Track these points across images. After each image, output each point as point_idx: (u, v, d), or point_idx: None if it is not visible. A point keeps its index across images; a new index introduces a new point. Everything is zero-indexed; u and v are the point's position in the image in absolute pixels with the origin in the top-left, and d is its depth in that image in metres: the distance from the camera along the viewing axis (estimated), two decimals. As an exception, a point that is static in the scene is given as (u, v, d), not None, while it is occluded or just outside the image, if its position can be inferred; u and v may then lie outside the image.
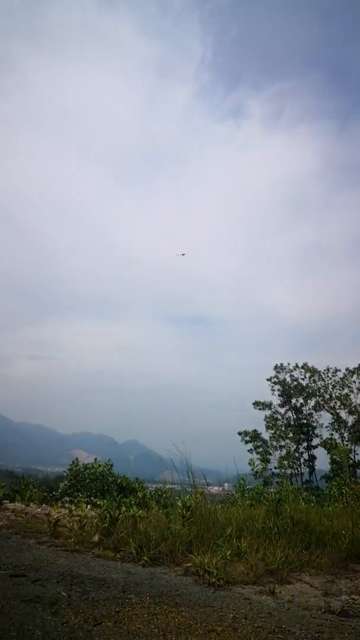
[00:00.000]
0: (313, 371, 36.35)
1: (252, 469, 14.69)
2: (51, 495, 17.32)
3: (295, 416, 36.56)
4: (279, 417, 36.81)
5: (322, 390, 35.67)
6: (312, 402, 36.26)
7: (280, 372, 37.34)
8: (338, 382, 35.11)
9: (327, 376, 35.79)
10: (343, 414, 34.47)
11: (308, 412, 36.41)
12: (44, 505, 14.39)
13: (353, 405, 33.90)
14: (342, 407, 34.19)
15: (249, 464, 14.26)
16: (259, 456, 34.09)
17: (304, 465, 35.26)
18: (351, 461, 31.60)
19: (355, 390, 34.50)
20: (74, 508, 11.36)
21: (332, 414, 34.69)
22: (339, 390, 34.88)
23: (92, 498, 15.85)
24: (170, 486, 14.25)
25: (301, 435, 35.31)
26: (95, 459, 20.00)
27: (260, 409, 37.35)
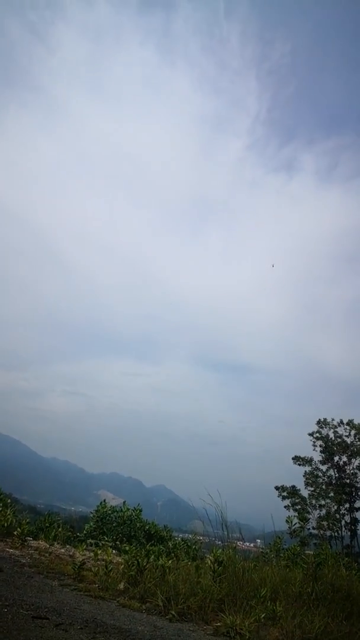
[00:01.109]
0: (359, 429, 34.53)
1: (290, 527, 13.73)
2: (75, 535, 16.84)
3: (337, 475, 34.54)
4: (320, 474, 34.88)
5: (368, 450, 33.74)
6: (356, 462, 34.18)
7: (323, 427, 35.70)
8: (386, 441, 33.19)
9: (375, 435, 33.95)
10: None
11: (352, 471, 34.30)
12: (67, 546, 13.96)
13: None
14: (388, 468, 32.16)
15: (287, 521, 13.37)
16: (296, 514, 32.16)
17: (345, 528, 32.91)
18: None
19: None
20: (99, 552, 10.90)
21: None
22: (387, 450, 32.90)
23: (118, 543, 15.27)
24: (200, 537, 13.56)
25: (343, 496, 33.17)
26: (124, 502, 19.46)
27: (300, 465, 35.59)
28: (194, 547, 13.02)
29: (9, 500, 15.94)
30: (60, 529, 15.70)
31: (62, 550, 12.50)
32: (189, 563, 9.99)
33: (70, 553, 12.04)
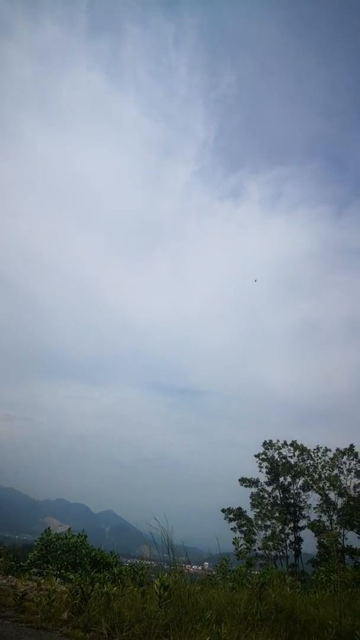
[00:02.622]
0: (302, 449, 35.30)
1: (236, 549, 13.88)
2: (19, 565, 16.21)
3: (282, 495, 35.04)
4: (266, 495, 35.29)
5: (311, 470, 34.46)
6: (300, 482, 34.91)
7: (269, 448, 36.27)
8: (328, 462, 34.02)
9: (317, 455, 34.71)
10: (332, 495, 33.11)
11: (296, 491, 34.94)
12: (10, 576, 13.43)
13: (343, 487, 32.69)
14: (331, 488, 32.83)
15: (233, 543, 13.54)
16: (242, 535, 32.28)
17: (290, 548, 33.27)
18: (340, 546, 30.00)
19: (345, 472, 33.39)
20: (43, 581, 10.58)
21: (320, 494, 33.25)
22: (329, 470, 33.69)
23: (62, 571, 14.84)
24: (148, 562, 13.43)
25: (287, 516, 33.65)
26: (69, 529, 18.98)
27: (246, 486, 35.84)
28: (140, 572, 12.84)
29: None
30: (2, 559, 15.09)
31: (4, 581, 12.02)
32: (135, 589, 9.86)
33: (13, 583, 11.60)
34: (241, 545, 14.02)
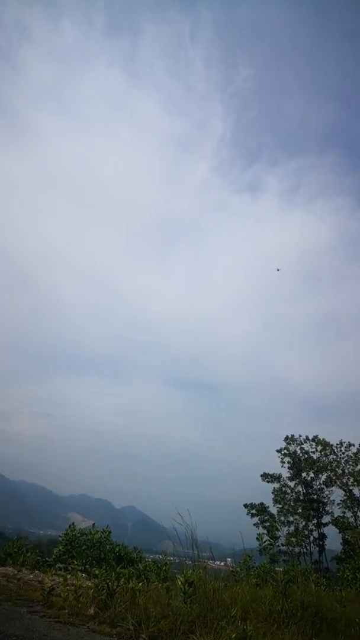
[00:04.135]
0: (324, 444, 34.96)
1: (260, 545, 13.80)
2: (44, 560, 16.47)
3: (305, 490, 34.78)
4: (288, 490, 35.08)
5: (334, 465, 34.10)
6: (323, 477, 34.57)
7: (290, 443, 35.99)
8: (351, 457, 33.61)
9: (340, 450, 34.38)
10: (356, 491, 32.73)
11: (319, 487, 34.62)
12: (36, 572, 13.65)
13: (367, 482, 32.23)
14: (355, 483, 32.47)
15: (257, 538, 13.46)
16: (265, 531, 32.15)
17: (313, 544, 33.06)
18: (366, 543, 29.59)
19: (370, 467, 32.94)
20: (69, 576, 10.72)
21: (344, 490, 32.91)
22: (352, 465, 33.30)
23: (87, 566, 15.01)
24: (170, 558, 13.48)
25: (311, 512, 33.39)
26: (93, 524, 19.17)
27: (268, 481, 35.68)
28: (164, 568, 12.90)
29: (-26, 526, 15.51)
30: (28, 554, 15.36)
31: (31, 576, 12.22)
32: (160, 585, 9.92)
33: (39, 579, 11.78)
34: (265, 541, 13.92)
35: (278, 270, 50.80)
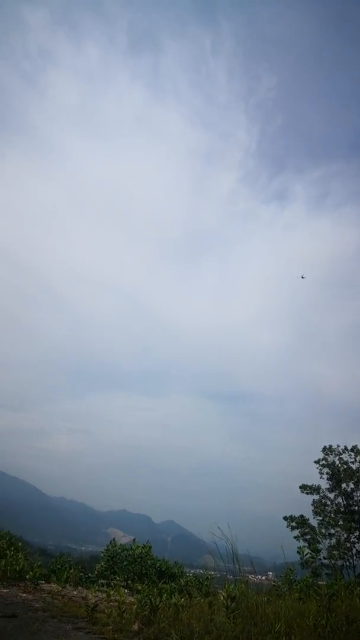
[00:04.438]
0: (364, 455, 34.03)
1: (301, 558, 13.60)
2: (87, 576, 16.71)
3: (345, 502, 33.87)
4: (328, 502, 34.24)
5: (375, 476, 33.16)
6: (363, 488, 33.67)
7: (329, 454, 35.14)
8: (393, 468, 32.62)
9: (381, 461, 33.44)
10: None
11: (359, 498, 33.76)
12: (80, 588, 13.89)
13: None
14: None
15: (298, 552, 13.28)
16: (306, 544, 31.43)
17: (356, 557, 32.05)
18: None
19: None
20: (112, 592, 10.89)
21: (387, 501, 31.94)
22: (395, 477, 32.29)
23: (129, 582, 15.14)
24: (211, 572, 13.45)
25: (352, 524, 32.47)
26: (134, 539, 19.31)
27: (307, 493, 34.89)
28: (205, 583, 12.89)
29: (19, 544, 15.91)
30: (71, 571, 15.61)
31: (75, 592, 12.45)
32: (202, 600, 9.95)
33: (83, 595, 12.00)
34: (306, 555, 13.71)
35: (303, 277, 50.05)
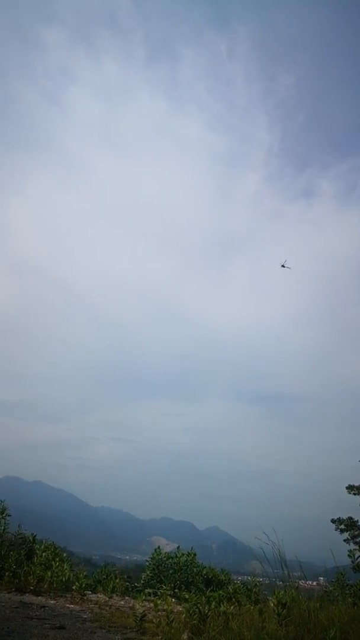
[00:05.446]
0: None
1: (352, 562, 13.10)
2: (133, 586, 16.61)
3: None
4: (377, 502, 33.21)
5: None
6: None
7: (376, 452, 34.22)
8: None
9: None
10: None
11: None
12: (127, 597, 13.79)
13: None
14: None
15: (349, 555, 12.79)
16: (356, 547, 30.46)
17: None
18: None
19: None
20: (159, 602, 10.73)
21: None
22: None
23: (176, 590, 14.95)
24: (259, 579, 13.10)
25: None
26: (178, 547, 19.09)
27: (354, 494, 33.99)
28: (254, 590, 12.54)
29: (64, 555, 15.98)
30: (117, 580, 15.54)
31: (122, 602, 12.37)
32: (252, 607, 9.66)
33: (130, 604, 11.89)
34: (358, 558, 13.20)
35: (284, 266, 44.56)
